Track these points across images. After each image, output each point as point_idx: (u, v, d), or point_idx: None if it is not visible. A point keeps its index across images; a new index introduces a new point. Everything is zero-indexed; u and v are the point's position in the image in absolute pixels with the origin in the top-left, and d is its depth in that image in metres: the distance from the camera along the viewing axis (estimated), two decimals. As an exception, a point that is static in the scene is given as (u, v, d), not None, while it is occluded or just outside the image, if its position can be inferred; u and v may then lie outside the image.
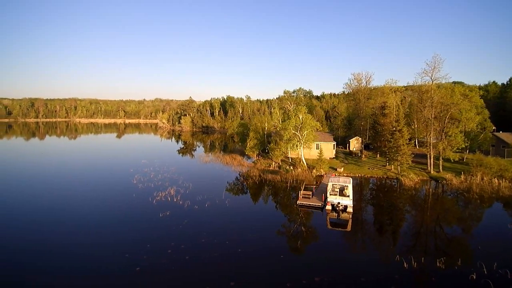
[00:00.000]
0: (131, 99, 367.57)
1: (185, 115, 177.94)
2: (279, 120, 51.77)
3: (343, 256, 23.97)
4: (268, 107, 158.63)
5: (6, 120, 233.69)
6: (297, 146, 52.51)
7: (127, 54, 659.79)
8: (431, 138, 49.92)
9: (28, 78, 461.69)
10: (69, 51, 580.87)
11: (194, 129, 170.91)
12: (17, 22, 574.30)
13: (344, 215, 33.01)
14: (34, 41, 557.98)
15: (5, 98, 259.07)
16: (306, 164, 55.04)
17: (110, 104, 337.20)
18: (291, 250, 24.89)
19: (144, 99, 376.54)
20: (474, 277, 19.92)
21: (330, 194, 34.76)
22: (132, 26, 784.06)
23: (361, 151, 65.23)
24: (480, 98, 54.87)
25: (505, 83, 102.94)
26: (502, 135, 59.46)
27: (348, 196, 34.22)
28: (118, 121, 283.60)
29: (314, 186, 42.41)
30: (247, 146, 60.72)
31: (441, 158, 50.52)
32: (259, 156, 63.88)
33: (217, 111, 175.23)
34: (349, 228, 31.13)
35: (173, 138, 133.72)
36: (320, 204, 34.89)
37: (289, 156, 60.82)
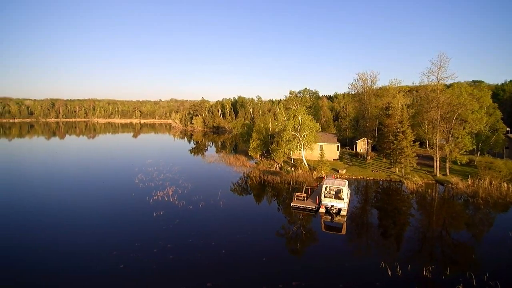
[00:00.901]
0: (147, 100, 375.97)
1: (197, 115, 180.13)
2: (284, 120, 51.28)
3: (328, 261, 23.50)
4: (279, 108, 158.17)
5: (28, 120, 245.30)
6: (297, 147, 52.04)
7: (144, 55, 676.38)
8: (437, 140, 48.13)
9: (49, 80, 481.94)
10: (88, 53, 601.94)
11: (205, 129, 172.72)
12: (39, 25, 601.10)
13: (338, 218, 32.50)
14: (56, 43, 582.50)
15: (27, 99, 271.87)
16: (308, 165, 54.46)
17: (127, 104, 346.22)
18: (275, 253, 24.67)
19: (160, 100, 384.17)
20: (460, 288, 19.10)
21: (324, 197, 34.26)
22: (148, 28, 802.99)
23: (367, 152, 63.82)
24: (491, 98, 52.29)
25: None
26: (516, 136, 56.48)
27: (343, 199, 33.60)
28: (134, 121, 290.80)
29: (315, 188, 41.96)
30: (250, 146, 60.78)
31: (448, 160, 48.62)
32: (262, 156, 63.79)
33: (228, 112, 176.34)
34: (343, 231, 30.64)
35: (185, 138, 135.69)
36: (314, 207, 34.45)
37: (292, 157, 60.39)
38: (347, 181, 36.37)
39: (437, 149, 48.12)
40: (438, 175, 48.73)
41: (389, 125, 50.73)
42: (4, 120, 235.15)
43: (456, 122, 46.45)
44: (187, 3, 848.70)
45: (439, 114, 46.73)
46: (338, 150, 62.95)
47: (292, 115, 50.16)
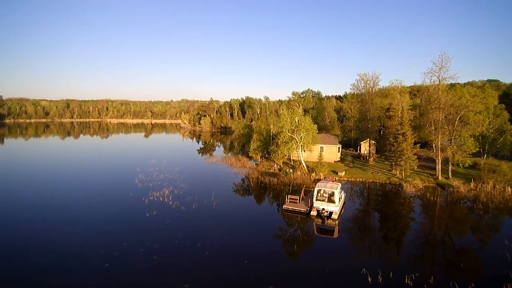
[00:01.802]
0: (159, 100, 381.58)
1: (205, 115, 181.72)
2: (287, 121, 51.11)
3: (309, 265, 23.34)
4: (282, 109, 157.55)
5: (44, 120, 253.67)
6: (295, 148, 51.77)
7: (156, 55, 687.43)
8: (439, 142, 46.86)
9: (64, 81, 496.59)
10: (102, 54, 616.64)
11: (213, 130, 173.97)
12: (56, 28, 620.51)
13: (329, 222, 32.19)
14: (71, 45, 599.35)
15: (43, 100, 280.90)
16: (307, 167, 54.10)
17: (139, 105, 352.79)
18: (258, 256, 24.67)
19: (171, 100, 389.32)
20: (439, 297, 18.61)
21: (316, 200, 34.02)
22: (161, 29, 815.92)
23: (369, 154, 62.80)
24: (499, 98, 50.40)
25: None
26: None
27: (334, 202, 33.27)
28: (146, 121, 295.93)
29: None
30: (250, 148, 60.92)
31: (450, 163, 47.26)
32: (263, 158, 63.80)
33: (236, 112, 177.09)
34: (335, 235, 30.36)
35: (194, 139, 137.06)
36: (306, 210, 34.23)
37: (292, 158, 60.14)
38: (340, 184, 35.98)
39: (439, 151, 46.83)
40: (440, 178, 47.45)
41: (389, 127, 49.77)
42: (21, 120, 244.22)
43: (459, 124, 45.09)
44: (199, 5, 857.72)
45: (440, 115, 45.49)
46: (339, 151, 62.22)
47: (289, 116, 49.92)
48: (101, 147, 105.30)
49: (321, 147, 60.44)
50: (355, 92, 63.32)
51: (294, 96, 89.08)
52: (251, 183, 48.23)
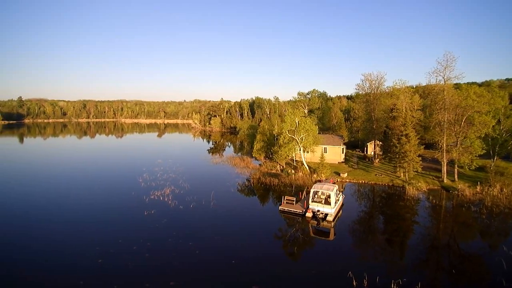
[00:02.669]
0: (172, 100, 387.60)
1: (215, 116, 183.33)
2: (287, 122, 51.09)
3: (296, 267, 23.43)
4: (286, 109, 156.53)
5: (61, 120, 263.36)
6: (296, 149, 51.60)
7: (170, 56, 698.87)
8: (445, 144, 45.55)
9: (81, 82, 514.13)
10: (117, 56, 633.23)
11: (223, 130, 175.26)
12: (72, 30, 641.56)
13: (324, 224, 32.00)
14: (87, 46, 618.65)
15: (61, 100, 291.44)
16: (310, 167, 53.79)
17: (152, 105, 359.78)
18: (247, 256, 24.92)
19: (184, 100, 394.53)
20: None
21: (312, 201, 33.89)
22: (174, 30, 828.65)
23: (374, 155, 61.75)
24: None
25: None
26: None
27: (330, 204, 33.03)
28: (159, 121, 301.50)
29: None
30: (254, 148, 61.13)
31: (456, 165, 45.88)
32: (266, 158, 63.87)
33: (245, 112, 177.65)
34: (331, 237, 30.22)
35: (204, 139, 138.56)
36: (301, 211, 34.14)
37: (295, 159, 59.94)
38: (336, 186, 35.67)
39: (445, 153, 45.53)
40: (445, 180, 46.14)
41: (393, 128, 48.82)
42: (40, 120, 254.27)
43: (465, 125, 43.70)
44: (214, 5, 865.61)
45: (446, 116, 44.22)
46: (343, 152, 61.50)
47: (289, 117, 49.79)
48: (113, 147, 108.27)
49: (325, 148, 59.98)
50: (361, 92, 62.27)
51: (299, 97, 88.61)
52: (252, 184, 48.47)
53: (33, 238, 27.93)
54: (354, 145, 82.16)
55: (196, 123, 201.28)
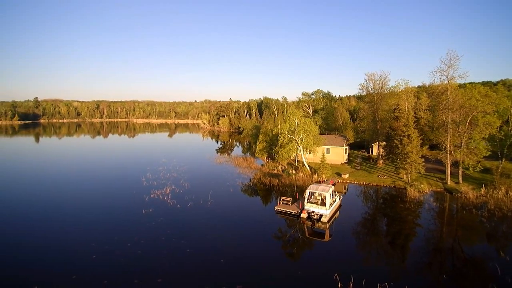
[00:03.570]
0: (182, 101, 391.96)
1: (223, 116, 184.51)
2: (286, 123, 51.09)
3: (284, 267, 23.46)
4: (288, 110, 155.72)
5: (76, 120, 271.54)
6: (297, 150, 51.44)
7: (181, 57, 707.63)
8: (449, 145, 44.43)
9: (95, 82, 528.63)
10: (130, 57, 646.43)
11: (231, 130, 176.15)
12: (87, 33, 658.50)
13: (319, 225, 31.87)
14: (100, 48, 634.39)
15: (75, 101, 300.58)
16: (311, 168, 53.52)
17: (164, 105, 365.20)
18: (236, 256, 25.12)
19: (195, 101, 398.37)
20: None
21: (307, 202, 33.83)
22: (185, 31, 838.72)
23: (378, 156, 60.81)
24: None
25: None
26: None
27: (325, 205, 32.86)
28: (169, 121, 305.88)
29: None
30: (257, 148, 61.31)
31: (460, 167, 44.69)
32: (269, 158, 63.92)
33: (254, 112, 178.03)
34: (326, 238, 30.12)
35: (213, 139, 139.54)
36: (296, 212, 34.08)
37: (297, 159, 59.73)
38: (332, 187, 35.45)
39: (448, 154, 44.40)
40: (449, 182, 45.02)
41: (395, 129, 47.98)
42: (55, 120, 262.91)
43: (469, 126, 42.52)
44: (220, 7, 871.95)
45: (450, 116, 43.13)
46: (346, 153, 60.86)
47: (288, 118, 49.68)
48: (122, 146, 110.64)
49: (327, 149, 59.52)
50: (364, 93, 61.46)
51: (304, 97, 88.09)
52: (252, 184, 48.67)
53: (32, 234, 29.07)
54: (360, 146, 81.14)
55: (205, 123, 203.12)
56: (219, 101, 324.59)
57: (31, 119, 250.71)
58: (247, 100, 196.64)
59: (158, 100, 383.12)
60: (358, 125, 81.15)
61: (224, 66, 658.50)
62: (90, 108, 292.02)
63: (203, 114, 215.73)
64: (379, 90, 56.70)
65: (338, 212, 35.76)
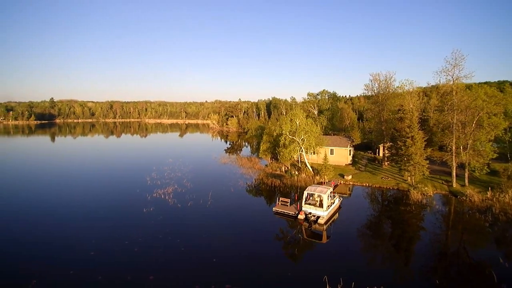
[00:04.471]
0: (193, 101, 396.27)
1: (232, 116, 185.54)
2: (287, 124, 51.09)
3: (274, 268, 23.51)
4: (291, 111, 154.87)
5: (90, 120, 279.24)
6: (298, 150, 51.30)
7: (192, 58, 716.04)
8: (454, 146, 43.36)
9: (109, 83, 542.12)
10: (143, 58, 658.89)
11: (240, 130, 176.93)
12: (102, 35, 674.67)
13: (316, 226, 31.79)
14: (113, 50, 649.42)
15: (89, 101, 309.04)
16: (315, 169, 53.26)
17: (175, 105, 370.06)
18: (229, 256, 25.35)
19: (206, 101, 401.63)
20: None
21: (304, 203, 33.80)
22: (197, 31, 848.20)
23: (383, 158, 59.92)
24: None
25: None
26: None
27: (322, 207, 32.74)
28: (180, 121, 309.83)
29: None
30: (260, 149, 61.51)
31: (466, 169, 43.55)
32: (273, 159, 64.00)
33: (262, 113, 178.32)
34: (324, 240, 30.03)
35: (222, 139, 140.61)
36: (294, 213, 34.08)
37: (300, 160, 59.55)
38: (330, 189, 35.26)
39: (454, 156, 43.34)
40: (454, 185, 43.94)
41: (400, 130, 47.19)
42: (70, 120, 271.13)
43: (475, 127, 41.38)
44: (229, 9, 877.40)
45: (455, 117, 42.10)
46: (350, 154, 60.26)
47: (289, 118, 49.62)
48: (133, 146, 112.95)
49: (331, 150, 59.10)
50: (369, 93, 60.67)
51: (309, 97, 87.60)
52: (253, 184, 48.89)
53: (36, 229, 30.28)
54: (367, 147, 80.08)
55: (214, 123, 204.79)
56: (230, 101, 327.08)
57: (47, 119, 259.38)
58: (253, 101, 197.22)
59: (170, 100, 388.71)
60: (366, 126, 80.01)
61: (235, 67, 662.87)
62: (104, 109, 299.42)
63: (212, 115, 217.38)
64: (384, 91, 55.85)
65: (337, 214, 35.53)
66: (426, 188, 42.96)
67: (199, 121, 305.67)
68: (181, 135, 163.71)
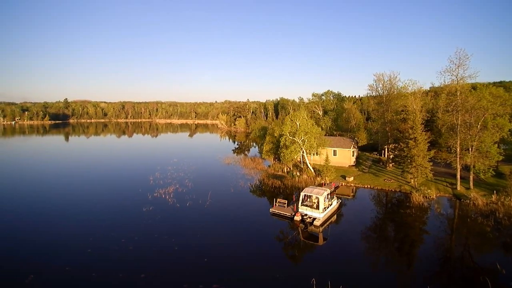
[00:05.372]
0: (203, 101, 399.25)
1: (240, 116, 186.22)
2: (287, 125, 51.00)
3: (265, 270, 23.64)
4: (292, 112, 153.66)
5: (103, 120, 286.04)
6: (299, 151, 51.07)
7: (202, 59, 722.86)
8: (458, 148, 42.28)
9: (121, 84, 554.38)
10: (155, 60, 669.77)
11: (248, 130, 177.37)
12: (114, 37, 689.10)
13: (312, 228, 31.66)
14: (126, 52, 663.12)
15: (102, 102, 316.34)
16: (316, 170, 52.94)
17: (185, 106, 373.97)
18: (221, 256, 25.57)
19: (215, 101, 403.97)
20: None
21: (301, 205, 33.71)
22: (208, 32, 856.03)
23: (387, 159, 58.95)
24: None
25: None
26: None
27: (318, 208, 32.57)
28: (190, 121, 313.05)
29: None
30: (263, 150, 61.58)
31: (471, 172, 42.38)
32: (276, 160, 63.95)
33: (270, 113, 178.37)
34: (320, 242, 29.89)
35: (230, 139, 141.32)
36: (290, 214, 34.03)
37: (302, 161, 59.29)
38: (328, 190, 34.99)
39: (458, 158, 42.27)
40: (459, 188, 42.83)
41: (403, 131, 46.37)
42: (83, 120, 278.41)
43: (480, 129, 40.24)
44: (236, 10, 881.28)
45: (459, 118, 41.05)
46: (353, 155, 59.56)
47: (289, 119, 49.45)
48: (141, 146, 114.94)
49: (334, 151, 58.58)
50: (373, 94, 59.81)
51: (314, 98, 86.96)
52: (254, 185, 49.02)
53: (35, 228, 31.35)
54: (373, 148, 78.84)
55: (222, 124, 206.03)
56: (238, 102, 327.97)
57: (61, 119, 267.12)
58: (261, 101, 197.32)
59: (180, 100, 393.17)
60: (373, 127, 78.80)
61: (244, 67, 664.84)
62: (116, 109, 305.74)
63: (220, 115, 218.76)
64: (388, 91, 54.97)
65: (335, 216, 35.25)
66: (429, 190, 42.06)
67: (209, 121, 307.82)
68: (190, 135, 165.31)
